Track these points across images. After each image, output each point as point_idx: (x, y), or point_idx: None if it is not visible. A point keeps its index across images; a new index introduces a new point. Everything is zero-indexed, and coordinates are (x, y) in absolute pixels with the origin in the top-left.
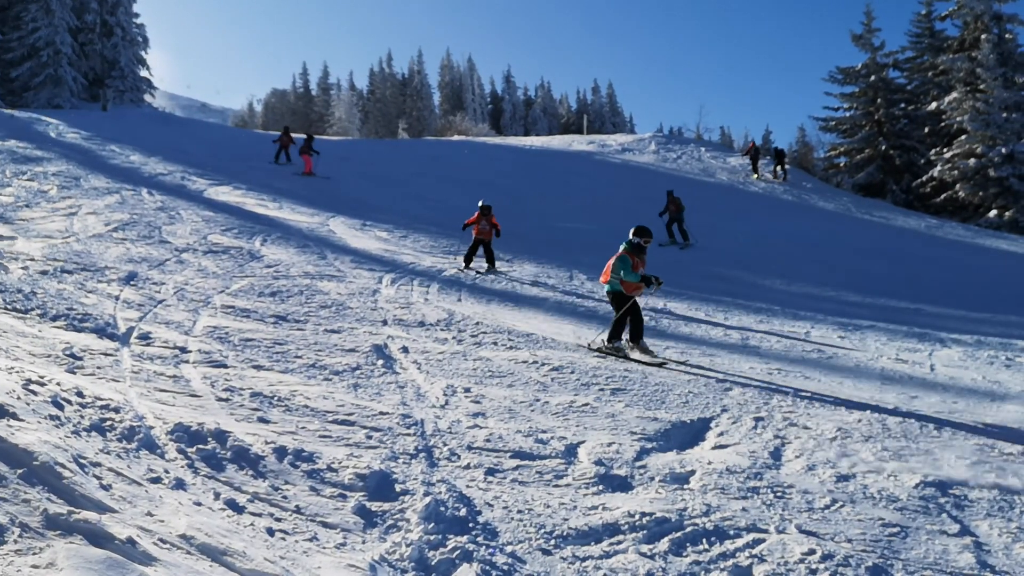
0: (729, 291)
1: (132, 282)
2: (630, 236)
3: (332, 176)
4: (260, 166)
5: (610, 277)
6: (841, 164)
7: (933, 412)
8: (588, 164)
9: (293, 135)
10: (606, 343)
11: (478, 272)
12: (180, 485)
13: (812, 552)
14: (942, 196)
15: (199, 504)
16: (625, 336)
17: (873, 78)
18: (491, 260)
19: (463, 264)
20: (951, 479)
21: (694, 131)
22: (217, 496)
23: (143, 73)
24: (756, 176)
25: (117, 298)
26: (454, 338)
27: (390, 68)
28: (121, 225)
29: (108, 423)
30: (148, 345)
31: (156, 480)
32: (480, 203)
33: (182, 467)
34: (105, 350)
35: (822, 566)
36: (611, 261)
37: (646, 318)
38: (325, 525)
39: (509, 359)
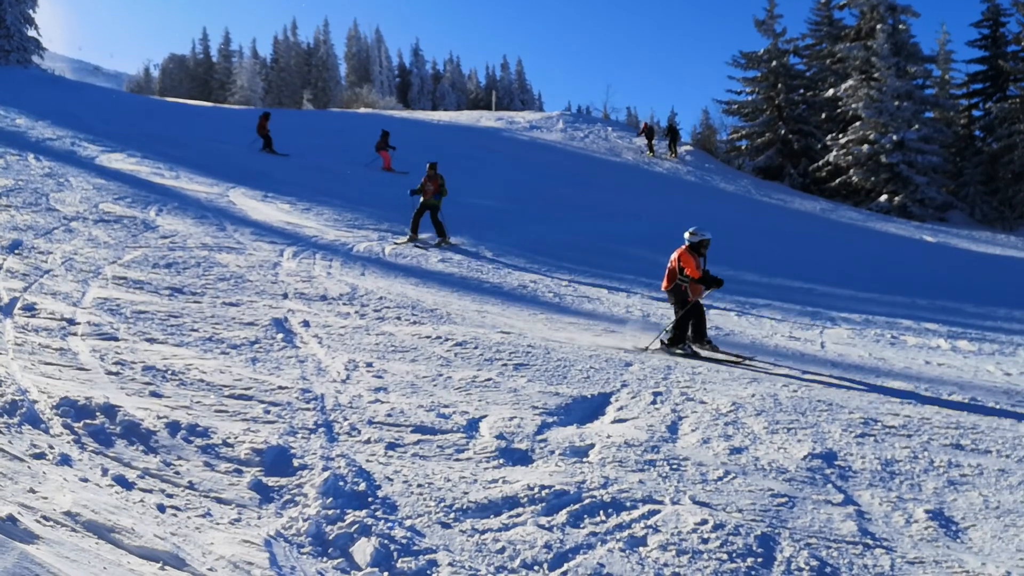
0: (632, 269)
1: (16, 251)
2: None
3: (409, 171)
4: (158, 134)
5: None
6: (742, 147)
7: (822, 387)
8: (496, 140)
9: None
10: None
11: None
12: (66, 461)
13: (704, 522)
14: (837, 180)
15: (86, 480)
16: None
17: (774, 63)
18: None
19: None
20: (837, 451)
21: (601, 110)
22: (105, 472)
23: (31, 33)
24: (650, 154)
25: (0, 267)
26: (357, 312)
27: (295, 37)
28: (5, 191)
29: None
30: (33, 316)
31: (40, 456)
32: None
33: (68, 442)
34: None
35: (713, 535)
36: None
37: (549, 294)
38: (219, 501)
39: (412, 334)
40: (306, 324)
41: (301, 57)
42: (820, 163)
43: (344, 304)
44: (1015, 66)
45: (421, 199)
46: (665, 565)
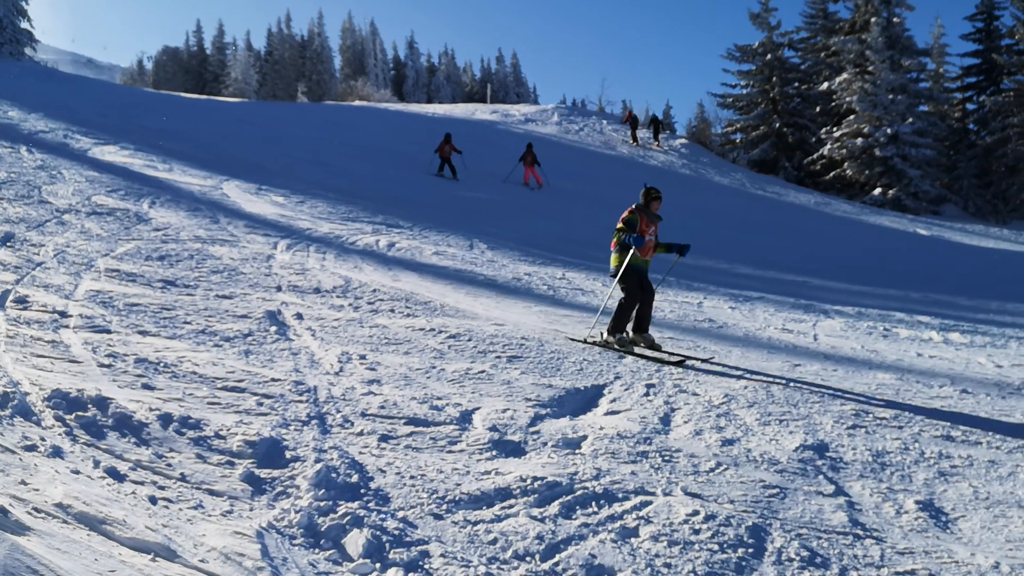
0: None
1: (8, 243)
2: None
3: (551, 183)
4: (151, 127)
5: None
6: (737, 140)
7: (814, 379)
8: (491, 133)
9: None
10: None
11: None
12: (57, 453)
13: (696, 513)
14: (831, 174)
15: (77, 472)
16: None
17: (769, 57)
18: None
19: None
20: (828, 442)
21: (596, 104)
22: (97, 464)
23: (24, 25)
24: (633, 143)
25: None
26: (350, 305)
27: (289, 29)
28: None
29: None
30: (25, 309)
31: (31, 448)
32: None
33: (60, 434)
34: None
35: (705, 526)
36: None
37: (543, 286)
38: (211, 493)
39: (406, 326)
40: (299, 317)
41: (295, 50)
42: (814, 156)
43: (338, 297)
44: (1009, 59)
45: (627, 258)
46: (656, 556)
